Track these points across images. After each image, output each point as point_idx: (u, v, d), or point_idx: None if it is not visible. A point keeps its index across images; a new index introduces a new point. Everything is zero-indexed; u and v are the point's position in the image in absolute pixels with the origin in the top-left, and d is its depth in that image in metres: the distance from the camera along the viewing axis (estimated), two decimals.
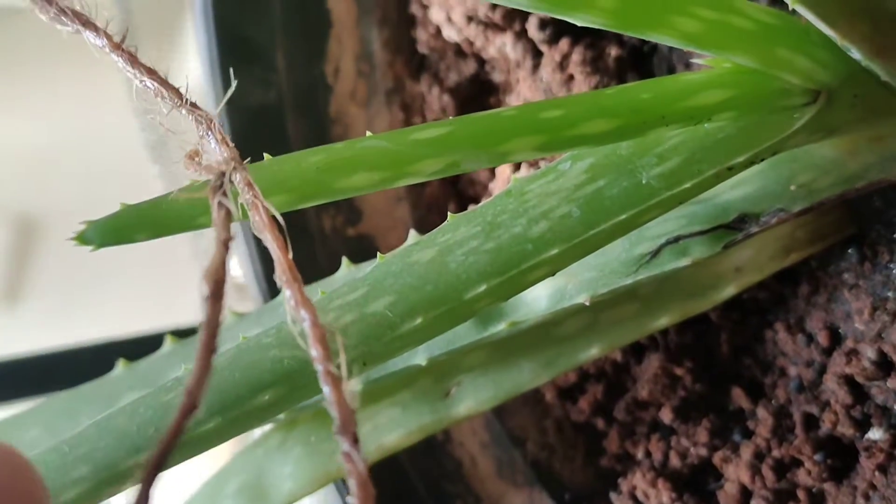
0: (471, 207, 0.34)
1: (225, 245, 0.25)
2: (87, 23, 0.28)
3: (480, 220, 0.32)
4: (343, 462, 0.22)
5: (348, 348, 0.31)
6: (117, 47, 0.28)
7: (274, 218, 0.26)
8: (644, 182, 0.32)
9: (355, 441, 0.22)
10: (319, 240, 0.48)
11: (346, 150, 0.31)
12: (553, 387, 0.46)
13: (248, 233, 0.47)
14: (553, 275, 0.32)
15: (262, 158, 0.32)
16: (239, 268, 0.48)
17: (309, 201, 0.32)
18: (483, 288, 0.31)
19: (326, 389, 0.22)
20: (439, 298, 0.31)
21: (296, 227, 0.48)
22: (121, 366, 0.42)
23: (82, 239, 0.30)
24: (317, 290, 0.38)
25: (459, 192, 0.49)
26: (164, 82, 0.28)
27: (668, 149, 0.32)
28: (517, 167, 0.44)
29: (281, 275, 0.25)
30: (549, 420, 0.46)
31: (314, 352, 0.23)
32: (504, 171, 0.45)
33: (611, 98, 0.32)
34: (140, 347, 0.44)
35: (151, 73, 0.29)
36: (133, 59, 0.28)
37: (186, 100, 0.29)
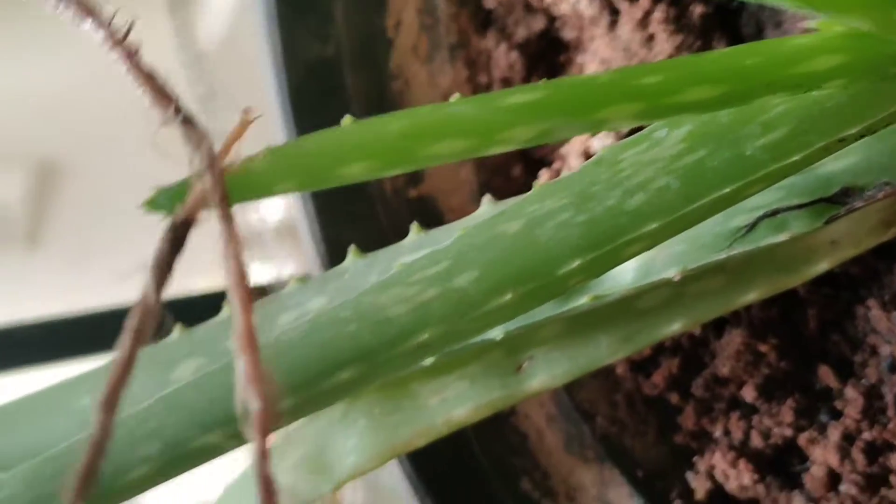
0: (541, 175, 0.32)
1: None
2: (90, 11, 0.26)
3: (570, 190, 0.30)
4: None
5: (431, 326, 0.30)
6: (118, 43, 0.27)
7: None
8: (748, 153, 0.30)
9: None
10: (380, 200, 0.46)
11: (431, 116, 0.29)
12: (625, 360, 0.44)
13: (306, 195, 0.46)
14: (650, 249, 0.30)
15: (323, 114, 0.31)
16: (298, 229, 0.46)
17: (391, 169, 0.30)
18: (576, 263, 0.29)
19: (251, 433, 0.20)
20: (529, 274, 0.30)
21: (355, 186, 0.46)
22: (177, 331, 0.40)
23: (152, 205, 0.28)
24: (391, 262, 0.37)
25: (526, 154, 0.47)
26: (160, 90, 0.26)
27: (773, 118, 0.30)
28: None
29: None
30: (619, 394, 0.45)
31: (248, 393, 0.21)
32: (574, 146, 0.43)
33: (713, 63, 0.30)
34: (193, 307, 0.43)
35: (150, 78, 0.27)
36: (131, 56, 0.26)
37: (182, 112, 0.27)
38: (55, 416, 0.41)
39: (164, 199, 0.28)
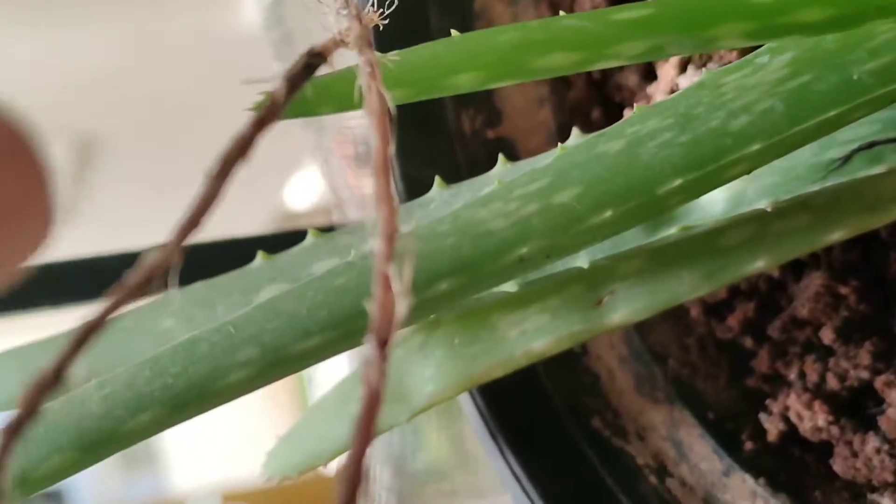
0: (626, 114, 0.32)
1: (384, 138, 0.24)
2: None
3: (673, 111, 0.31)
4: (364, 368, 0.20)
5: (532, 240, 0.30)
6: None
7: (388, 109, 0.24)
8: (855, 77, 0.30)
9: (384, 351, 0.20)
10: (458, 139, 0.46)
11: (541, 29, 0.29)
12: (699, 303, 0.45)
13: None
14: (751, 172, 0.30)
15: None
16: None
17: (500, 80, 0.30)
18: (678, 182, 0.29)
19: (377, 290, 0.20)
20: (630, 192, 0.30)
21: (433, 123, 0.46)
22: (260, 258, 0.41)
23: (259, 108, 0.29)
24: (478, 191, 0.37)
25: (605, 97, 0.47)
26: None
27: (880, 44, 0.30)
28: (683, 69, 0.42)
29: (375, 166, 0.23)
30: (692, 337, 0.45)
31: (378, 248, 0.21)
32: (668, 72, 0.43)
33: None
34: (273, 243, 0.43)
35: None
36: None
37: None
38: (138, 337, 0.41)
39: (276, 104, 0.29)
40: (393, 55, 0.28)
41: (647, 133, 0.30)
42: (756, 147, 0.29)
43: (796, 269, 0.42)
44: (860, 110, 0.30)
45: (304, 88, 0.27)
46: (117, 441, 0.31)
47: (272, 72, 0.28)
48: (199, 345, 0.31)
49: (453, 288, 0.30)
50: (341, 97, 0.29)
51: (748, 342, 0.43)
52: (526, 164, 0.38)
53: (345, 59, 0.29)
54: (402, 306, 0.20)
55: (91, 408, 0.30)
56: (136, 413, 0.30)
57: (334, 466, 0.42)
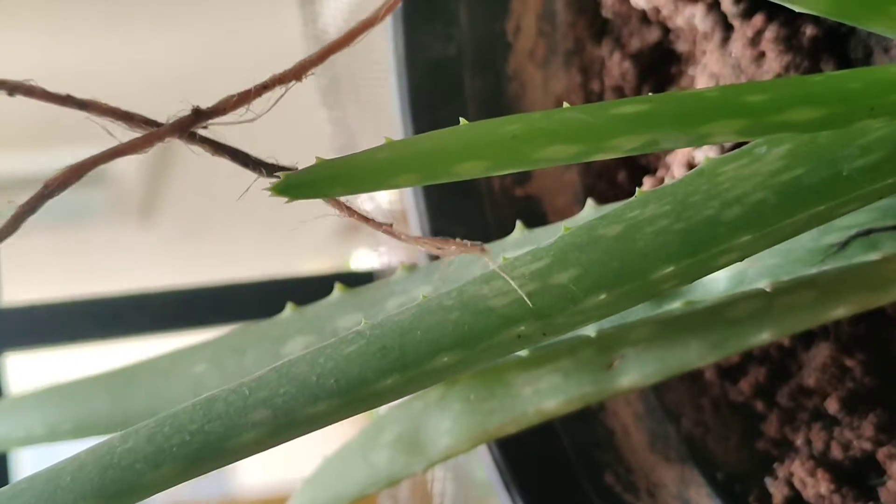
0: (644, 182, 0.34)
1: None
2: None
3: (671, 198, 0.32)
4: None
5: (528, 319, 0.31)
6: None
7: None
8: (845, 174, 0.31)
9: None
10: (487, 196, 0.48)
11: (543, 121, 0.31)
12: (714, 365, 0.46)
13: (417, 190, 0.48)
14: (741, 260, 0.32)
15: (440, 112, 0.32)
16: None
17: (502, 169, 0.32)
18: (670, 269, 0.31)
19: None
20: (625, 276, 0.31)
21: (465, 183, 0.48)
22: (289, 309, 0.43)
23: (278, 190, 0.31)
24: (495, 256, 0.38)
25: (631, 160, 0.49)
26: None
27: (871, 141, 0.31)
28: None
29: None
30: (706, 398, 0.46)
31: None
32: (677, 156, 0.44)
33: (818, 85, 0.31)
34: (304, 287, 0.45)
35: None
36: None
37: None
38: (173, 379, 0.43)
39: (287, 185, 0.31)
40: (402, 141, 0.30)
41: (645, 219, 0.32)
42: (747, 237, 0.31)
43: (806, 338, 0.43)
44: (849, 205, 0.31)
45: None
46: (137, 492, 0.33)
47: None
48: (216, 404, 0.33)
49: (455, 361, 0.32)
50: (352, 181, 0.31)
51: (759, 406, 0.45)
52: (542, 231, 0.40)
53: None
54: None
55: (114, 459, 0.33)
56: (155, 467, 0.32)
57: None
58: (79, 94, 0.30)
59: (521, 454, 0.45)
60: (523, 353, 0.39)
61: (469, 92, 0.48)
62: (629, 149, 0.31)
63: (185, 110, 0.33)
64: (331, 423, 0.33)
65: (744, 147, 0.33)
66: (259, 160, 0.37)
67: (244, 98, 0.33)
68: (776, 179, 0.31)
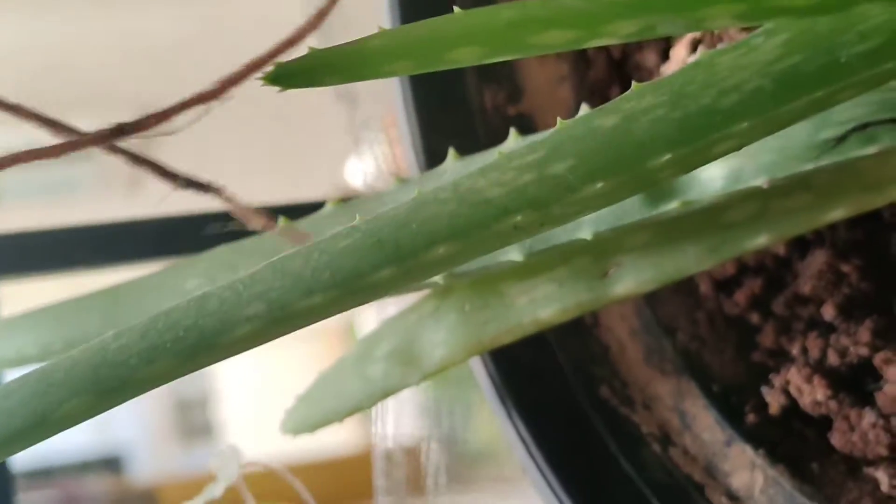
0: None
1: None
2: None
3: (667, 89, 0.32)
4: None
5: (525, 208, 0.31)
6: None
7: None
8: (843, 60, 0.31)
9: None
10: (479, 115, 0.48)
11: (539, 6, 0.30)
12: (708, 278, 0.46)
13: (410, 108, 0.47)
14: (739, 149, 0.32)
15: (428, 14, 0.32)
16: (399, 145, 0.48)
17: (498, 55, 0.31)
18: (667, 157, 0.31)
19: None
20: (622, 164, 0.31)
21: (455, 99, 0.48)
22: (281, 223, 0.42)
23: (271, 79, 0.30)
24: (493, 152, 0.38)
25: (625, 76, 0.49)
26: None
27: (870, 27, 0.31)
28: (693, 49, 0.43)
29: None
30: (701, 312, 0.46)
31: None
32: (679, 52, 0.44)
33: None
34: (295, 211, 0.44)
35: None
36: None
37: None
38: (164, 295, 0.43)
39: (282, 75, 0.30)
40: (396, 28, 0.30)
41: (641, 109, 0.31)
42: (745, 125, 0.31)
43: (802, 247, 0.43)
44: (847, 91, 0.31)
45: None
46: (131, 387, 0.32)
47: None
48: (210, 300, 0.33)
49: (451, 252, 0.32)
50: (346, 69, 0.30)
51: (754, 317, 0.45)
52: (536, 137, 0.40)
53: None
54: None
55: (107, 356, 0.32)
56: (149, 362, 0.32)
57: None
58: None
59: (517, 369, 0.45)
60: (518, 258, 0.39)
61: None
62: (626, 34, 0.30)
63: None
64: (326, 317, 0.33)
65: (741, 39, 0.32)
66: (177, 174, 0.38)
67: (165, 115, 0.33)
68: (774, 67, 0.31)
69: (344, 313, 0.34)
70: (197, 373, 0.34)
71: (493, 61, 0.31)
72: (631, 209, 0.37)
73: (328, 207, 0.43)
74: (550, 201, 0.31)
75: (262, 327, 0.32)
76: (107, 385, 0.32)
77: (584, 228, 0.37)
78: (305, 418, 0.44)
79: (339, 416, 0.43)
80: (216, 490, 0.47)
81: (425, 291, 0.42)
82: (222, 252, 0.43)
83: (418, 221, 0.32)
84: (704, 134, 0.31)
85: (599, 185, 0.31)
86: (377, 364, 0.43)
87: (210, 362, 0.33)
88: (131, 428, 3.80)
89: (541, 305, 0.40)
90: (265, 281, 0.33)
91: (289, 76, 0.30)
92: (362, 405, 0.43)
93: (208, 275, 0.43)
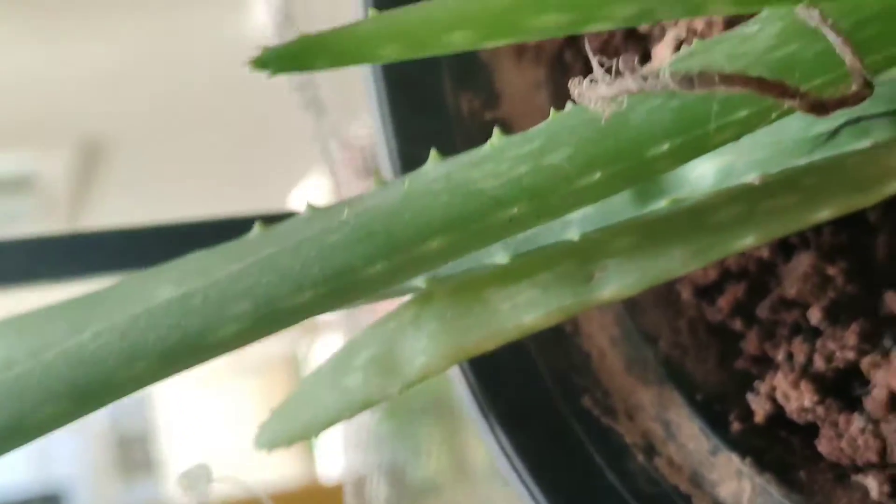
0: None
1: None
2: None
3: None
4: None
5: (522, 199, 0.30)
6: None
7: None
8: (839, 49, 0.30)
9: None
10: (456, 121, 0.47)
11: None
12: (690, 285, 0.45)
13: (385, 113, 0.46)
14: (738, 139, 0.31)
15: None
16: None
17: (493, 39, 0.31)
18: (665, 146, 0.30)
19: None
20: (620, 154, 0.30)
21: (431, 104, 0.47)
22: (257, 228, 0.41)
23: (259, 63, 0.29)
24: (482, 148, 0.37)
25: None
26: None
27: (867, 16, 0.31)
28: (677, 50, 0.43)
29: None
30: (682, 320, 0.45)
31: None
32: (662, 53, 0.43)
33: None
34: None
35: None
36: None
37: None
38: (136, 304, 0.42)
39: (271, 58, 0.29)
40: (387, 13, 0.29)
41: (639, 98, 0.31)
42: (743, 113, 0.30)
43: (786, 250, 0.43)
44: (844, 79, 0.30)
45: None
46: (110, 390, 0.31)
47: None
48: (194, 298, 0.32)
49: (444, 245, 0.31)
50: (336, 53, 0.29)
51: (737, 324, 0.44)
52: (520, 137, 0.39)
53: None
54: None
55: (84, 357, 0.31)
56: (129, 363, 0.31)
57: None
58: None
59: (497, 381, 0.44)
60: (504, 260, 0.38)
61: None
62: (623, 17, 0.30)
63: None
64: (316, 314, 0.32)
65: (735, 28, 0.32)
66: None
67: None
68: (770, 56, 0.31)
69: (287, 348, 0.33)
70: (138, 407, 0.33)
71: (485, 46, 0.31)
72: (619, 207, 0.37)
73: (306, 212, 0.41)
74: (548, 192, 0.30)
75: (249, 326, 0.31)
76: (85, 388, 0.31)
77: (572, 228, 0.37)
78: (280, 432, 0.43)
79: (316, 430, 0.42)
80: None
81: (405, 298, 0.41)
82: (196, 257, 0.42)
83: (410, 213, 0.31)
84: (702, 123, 0.30)
85: (598, 174, 0.30)
86: (355, 374, 0.41)
87: (194, 363, 0.31)
88: (71, 464, 3.72)
89: (524, 311, 0.40)
90: (251, 277, 0.31)
91: (278, 60, 0.29)
92: (340, 418, 0.42)
93: (181, 281, 0.42)
